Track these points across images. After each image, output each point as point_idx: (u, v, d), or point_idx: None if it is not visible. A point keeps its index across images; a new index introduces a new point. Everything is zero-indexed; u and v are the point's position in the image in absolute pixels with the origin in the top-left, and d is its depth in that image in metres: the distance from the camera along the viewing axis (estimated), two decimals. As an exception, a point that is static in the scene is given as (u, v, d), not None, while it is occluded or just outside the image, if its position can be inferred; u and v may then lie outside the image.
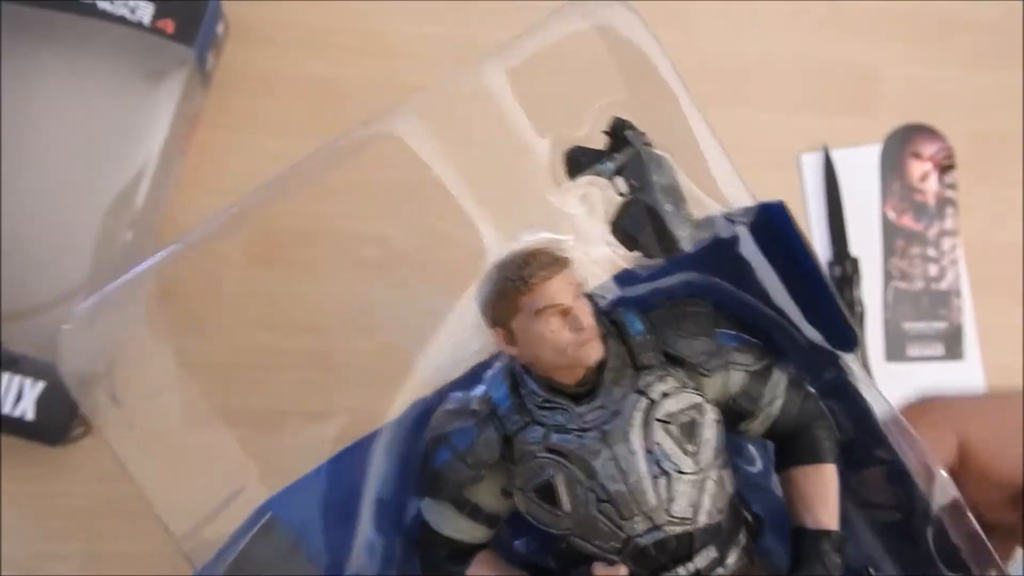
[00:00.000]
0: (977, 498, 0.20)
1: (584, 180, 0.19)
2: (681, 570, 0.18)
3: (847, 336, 0.20)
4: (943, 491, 0.19)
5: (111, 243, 0.43)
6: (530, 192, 0.20)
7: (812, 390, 0.20)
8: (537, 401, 0.19)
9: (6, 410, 0.41)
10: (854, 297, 0.55)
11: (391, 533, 0.21)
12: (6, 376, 0.41)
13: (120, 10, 0.44)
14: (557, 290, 0.18)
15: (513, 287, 0.18)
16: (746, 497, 0.20)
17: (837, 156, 0.57)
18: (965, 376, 0.58)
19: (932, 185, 0.59)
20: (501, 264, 0.19)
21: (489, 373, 0.20)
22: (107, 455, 0.47)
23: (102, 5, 0.44)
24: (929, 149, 0.59)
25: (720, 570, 0.18)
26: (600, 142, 0.19)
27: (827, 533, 0.19)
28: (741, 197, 0.20)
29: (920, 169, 0.59)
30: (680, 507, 0.18)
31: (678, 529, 0.18)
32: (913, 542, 0.19)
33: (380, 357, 0.24)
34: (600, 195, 0.19)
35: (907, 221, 0.58)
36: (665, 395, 0.18)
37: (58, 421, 0.42)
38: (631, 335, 0.19)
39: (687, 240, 0.20)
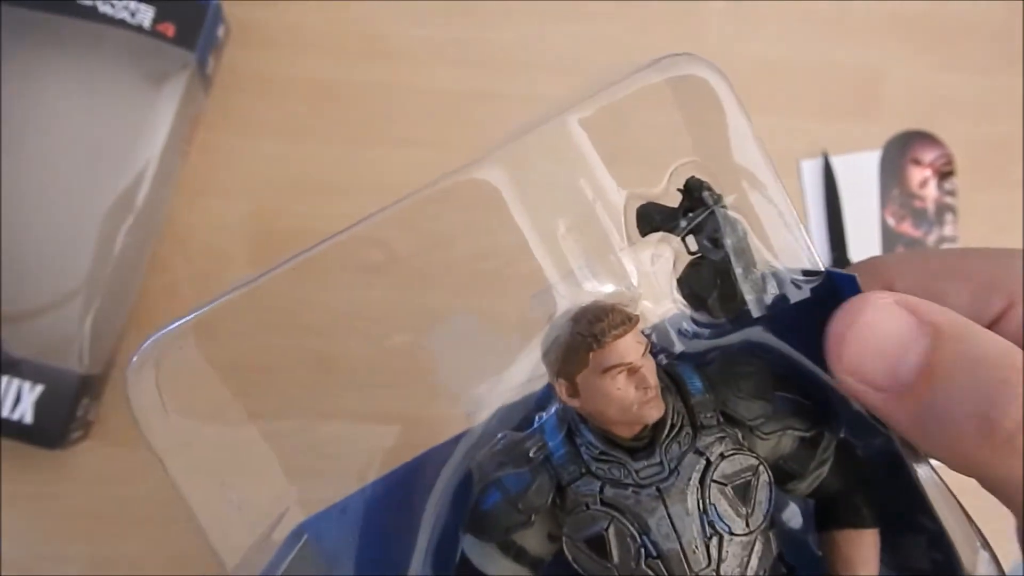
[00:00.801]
0: None
1: (655, 237, 0.19)
2: None
3: None
4: (986, 565, 0.21)
5: (111, 246, 0.43)
6: (602, 246, 0.20)
7: (860, 455, 0.20)
8: (593, 453, 0.19)
9: (5, 413, 0.41)
10: (853, 303, 0.55)
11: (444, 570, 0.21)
12: (5, 379, 0.41)
13: (120, 13, 0.44)
14: (627, 348, 0.18)
15: (584, 343, 0.18)
16: (784, 552, 0.21)
17: (837, 162, 0.57)
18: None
19: (932, 191, 0.59)
20: (573, 317, 0.19)
21: (544, 417, 0.20)
22: (106, 458, 0.47)
23: (103, 8, 0.44)
24: (929, 155, 0.59)
25: None
26: (675, 201, 0.20)
27: None
28: (809, 263, 0.20)
29: (920, 175, 0.59)
30: (729, 567, 0.18)
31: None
32: None
33: (412, 367, 0.23)
34: (671, 253, 0.20)
35: (906, 227, 0.58)
36: (723, 456, 0.19)
37: (57, 424, 0.42)
38: (691, 393, 0.19)
39: (755, 304, 0.20)
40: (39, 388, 0.41)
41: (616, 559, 0.18)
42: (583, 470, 0.19)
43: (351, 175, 0.51)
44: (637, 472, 0.18)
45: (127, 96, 0.44)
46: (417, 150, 0.52)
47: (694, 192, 0.20)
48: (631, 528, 0.18)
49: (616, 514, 0.18)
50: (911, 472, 0.19)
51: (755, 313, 0.19)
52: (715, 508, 0.18)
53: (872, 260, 0.21)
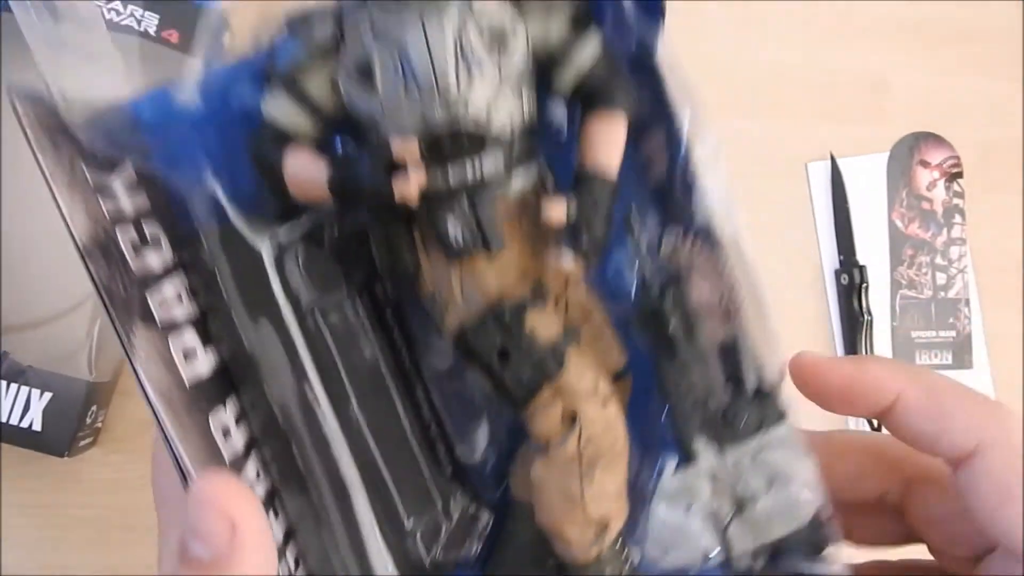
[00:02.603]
0: None
1: None
2: (467, 165, 0.19)
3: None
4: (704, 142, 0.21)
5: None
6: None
7: (623, 67, 0.21)
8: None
9: (13, 421, 0.41)
10: (862, 305, 0.55)
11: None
12: (13, 387, 0.41)
13: (126, 20, 0.44)
14: None
15: None
16: (551, 162, 0.22)
17: (844, 164, 0.57)
18: (974, 385, 0.58)
19: (940, 193, 0.59)
20: None
21: None
22: (114, 466, 0.47)
23: (108, 15, 0.44)
24: (936, 157, 0.59)
25: (497, 183, 0.20)
26: None
27: (603, 169, 0.20)
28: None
29: (927, 177, 0.59)
30: (476, 107, 0.19)
31: (471, 128, 0.19)
32: (671, 192, 0.21)
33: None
34: None
35: (915, 229, 0.58)
36: (482, 3, 0.19)
37: (65, 432, 0.42)
38: None
39: None
40: (47, 396, 0.41)
41: (379, 85, 0.19)
42: (358, 6, 0.19)
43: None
44: (403, 6, 0.19)
45: (133, 104, 0.44)
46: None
47: None
48: (393, 51, 0.19)
49: (381, 41, 0.19)
50: (663, 86, 0.21)
51: None
52: (470, 43, 0.19)
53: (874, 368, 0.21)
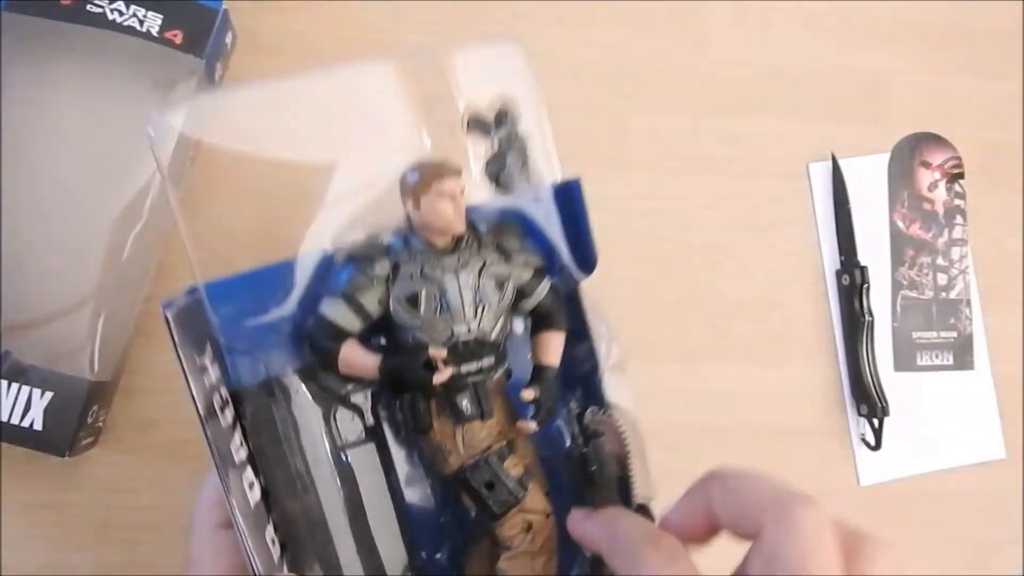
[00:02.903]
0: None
1: (476, 136, 0.31)
2: (474, 364, 0.30)
3: (590, 263, 0.32)
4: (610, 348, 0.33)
5: (119, 253, 0.43)
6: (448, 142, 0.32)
7: (560, 296, 0.32)
8: (419, 249, 0.30)
9: (14, 420, 0.41)
10: (863, 306, 0.55)
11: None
12: (14, 387, 0.41)
13: (129, 20, 0.45)
14: (454, 185, 0.29)
15: (432, 173, 0.29)
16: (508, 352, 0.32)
17: (846, 165, 0.57)
18: (974, 386, 0.58)
19: (941, 194, 0.59)
20: (423, 162, 0.30)
21: (389, 232, 0.30)
22: (115, 466, 0.47)
23: (111, 16, 0.44)
24: (938, 158, 0.59)
25: (491, 375, 0.30)
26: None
27: (552, 367, 0.31)
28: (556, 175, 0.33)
29: (929, 178, 0.59)
30: (483, 326, 0.30)
31: (479, 339, 0.30)
32: (585, 387, 0.33)
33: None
34: (483, 148, 0.31)
35: (916, 230, 0.58)
36: (492, 264, 0.30)
37: (66, 431, 0.42)
38: (479, 229, 0.31)
39: (525, 190, 0.32)
40: (49, 395, 0.41)
41: (423, 311, 0.29)
42: (410, 257, 0.29)
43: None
44: (443, 263, 0.29)
45: (135, 103, 0.44)
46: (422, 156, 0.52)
47: (502, 114, 0.31)
48: (435, 291, 0.29)
49: (427, 283, 0.29)
50: (581, 306, 0.33)
51: (523, 196, 0.31)
52: (483, 288, 0.30)
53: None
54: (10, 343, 0.42)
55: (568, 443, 0.31)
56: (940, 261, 0.58)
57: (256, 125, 0.32)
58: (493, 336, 0.30)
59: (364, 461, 0.32)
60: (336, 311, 0.29)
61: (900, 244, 0.58)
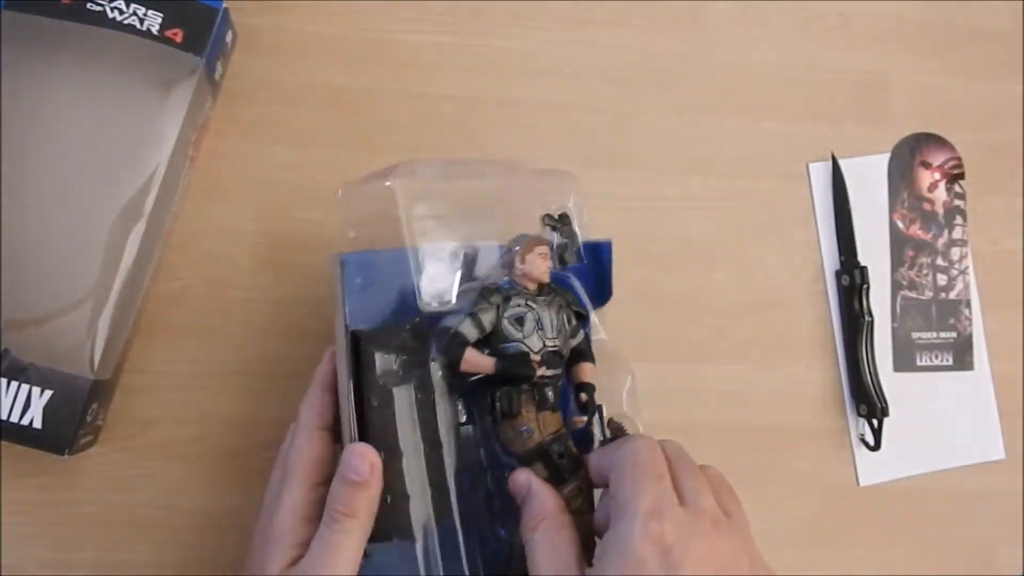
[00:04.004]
0: None
1: (547, 229, 0.44)
2: (552, 370, 0.40)
3: (605, 299, 0.46)
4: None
5: (120, 252, 0.43)
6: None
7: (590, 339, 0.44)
8: (519, 291, 0.41)
9: (14, 418, 0.41)
10: (863, 306, 0.55)
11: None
12: (14, 385, 0.41)
13: (129, 19, 0.45)
14: (545, 251, 0.41)
15: (535, 241, 0.41)
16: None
17: (845, 165, 0.57)
18: (974, 386, 0.58)
19: (941, 194, 0.59)
20: (523, 235, 0.42)
21: (503, 280, 0.41)
22: (114, 464, 0.47)
23: (111, 14, 0.44)
24: (938, 158, 0.59)
25: (559, 380, 0.41)
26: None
27: (592, 384, 0.42)
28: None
29: (929, 178, 0.59)
30: (559, 344, 0.41)
31: (556, 350, 0.40)
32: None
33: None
34: (553, 237, 0.44)
35: (916, 230, 0.58)
36: (565, 306, 0.42)
37: (66, 430, 0.42)
38: (555, 286, 0.42)
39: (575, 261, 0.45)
40: (48, 394, 0.41)
41: (527, 329, 0.40)
42: (515, 294, 0.40)
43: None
44: (537, 300, 0.41)
45: (136, 102, 0.44)
46: (424, 157, 0.52)
47: (565, 216, 0.44)
48: (535, 316, 0.40)
49: (530, 310, 0.40)
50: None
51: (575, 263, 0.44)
52: (562, 318, 0.41)
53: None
54: (10, 341, 0.42)
55: (600, 438, 0.42)
56: (940, 261, 0.58)
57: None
58: (564, 350, 0.41)
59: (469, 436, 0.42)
60: (463, 325, 0.39)
61: (900, 244, 0.58)
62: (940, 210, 0.59)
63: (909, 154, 0.58)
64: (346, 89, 0.52)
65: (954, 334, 0.58)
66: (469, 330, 0.39)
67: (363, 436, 0.38)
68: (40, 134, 0.43)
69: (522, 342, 0.39)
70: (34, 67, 0.44)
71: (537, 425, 0.40)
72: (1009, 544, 0.57)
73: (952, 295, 0.58)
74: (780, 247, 0.56)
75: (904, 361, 0.57)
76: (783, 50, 0.58)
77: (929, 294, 0.58)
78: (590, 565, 0.36)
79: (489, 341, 0.40)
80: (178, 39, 0.45)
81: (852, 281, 0.55)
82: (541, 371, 0.39)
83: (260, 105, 0.51)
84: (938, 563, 0.56)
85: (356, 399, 0.39)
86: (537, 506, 0.37)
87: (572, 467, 0.39)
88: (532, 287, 0.41)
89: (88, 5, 0.44)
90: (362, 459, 0.37)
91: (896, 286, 0.57)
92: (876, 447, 0.54)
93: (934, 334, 0.57)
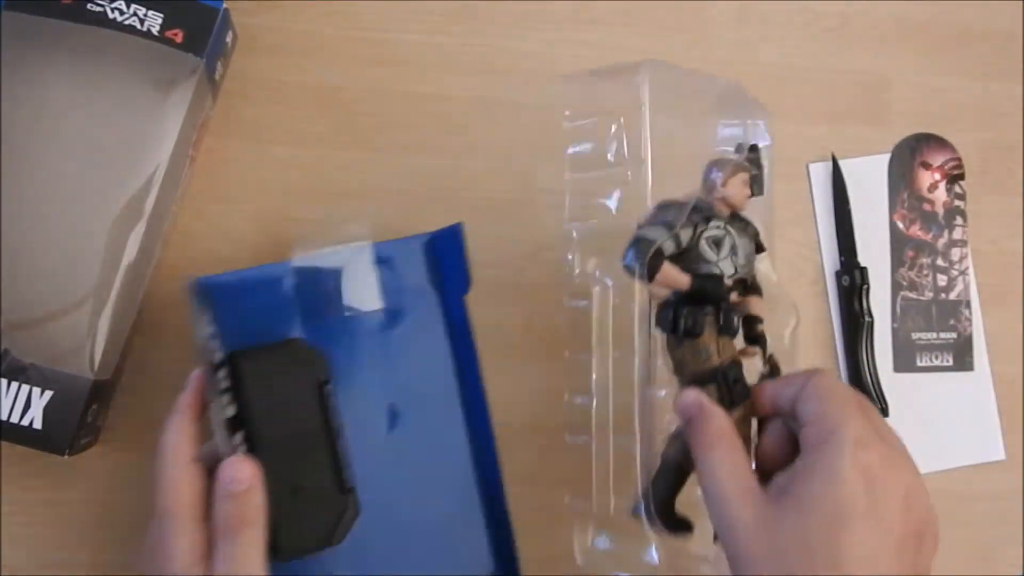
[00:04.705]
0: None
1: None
2: (739, 297, 0.42)
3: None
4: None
5: (120, 252, 0.43)
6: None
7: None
8: (717, 215, 0.41)
9: (14, 419, 0.41)
10: (863, 307, 0.55)
11: None
12: (14, 385, 0.41)
13: (129, 19, 0.45)
14: (748, 178, 0.41)
15: (740, 167, 0.41)
16: None
17: (846, 165, 0.57)
18: (974, 387, 0.58)
19: (941, 195, 0.59)
20: (726, 159, 0.42)
21: (686, 199, 0.41)
22: (115, 464, 0.47)
23: (112, 15, 0.44)
24: (938, 159, 0.59)
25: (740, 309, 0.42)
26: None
27: (760, 317, 0.42)
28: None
29: (929, 179, 0.59)
30: (747, 271, 0.41)
31: (743, 277, 0.41)
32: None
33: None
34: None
35: (916, 231, 0.58)
36: (755, 237, 0.42)
37: (66, 430, 0.42)
38: (745, 216, 0.42)
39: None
40: (49, 394, 0.41)
41: (719, 252, 0.40)
42: (714, 216, 0.40)
43: (358, 181, 0.51)
44: (734, 225, 0.41)
45: (136, 102, 0.44)
46: (424, 156, 0.52)
47: (755, 149, 0.45)
48: (732, 241, 0.40)
49: (728, 235, 0.40)
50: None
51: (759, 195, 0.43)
52: (748, 246, 0.41)
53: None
54: (10, 342, 0.42)
55: (761, 372, 0.42)
56: (940, 262, 0.58)
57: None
58: (749, 282, 0.42)
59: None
60: (660, 235, 0.39)
61: (900, 245, 0.58)
62: (940, 210, 0.59)
63: (909, 154, 0.58)
64: (346, 89, 0.52)
65: (954, 335, 0.58)
66: (668, 245, 0.39)
67: (253, 450, 0.37)
68: (40, 134, 0.43)
69: (716, 264, 0.40)
70: (34, 67, 0.44)
71: (717, 348, 0.40)
72: (1010, 544, 0.57)
73: (952, 295, 0.58)
74: (780, 247, 0.56)
75: (904, 362, 0.57)
76: (783, 50, 0.58)
77: (929, 294, 0.58)
78: None
79: (682, 258, 0.40)
80: (178, 39, 0.45)
81: (852, 281, 0.55)
82: (733, 295, 0.40)
83: (260, 105, 0.51)
84: (938, 563, 0.56)
85: (239, 422, 0.38)
86: (715, 427, 0.37)
87: (747, 394, 0.40)
88: (726, 212, 0.41)
89: (88, 5, 0.44)
90: (240, 468, 0.36)
91: (896, 286, 0.57)
92: (876, 447, 0.54)
93: (934, 335, 0.57)
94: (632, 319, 0.41)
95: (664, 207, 0.41)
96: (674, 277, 0.39)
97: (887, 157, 0.58)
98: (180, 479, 0.37)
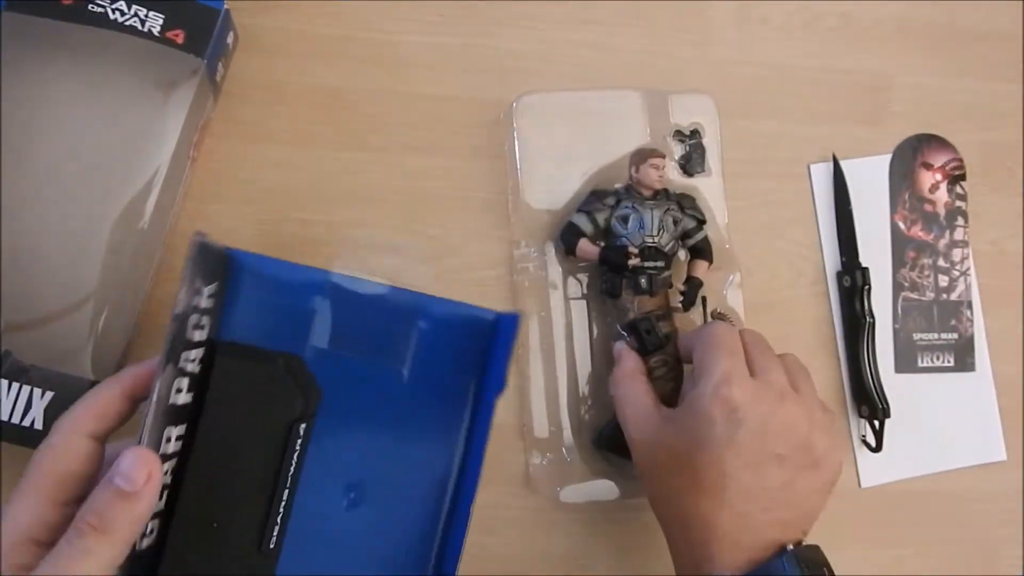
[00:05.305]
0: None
1: (676, 141, 0.53)
2: (651, 262, 0.48)
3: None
4: None
5: (120, 253, 0.43)
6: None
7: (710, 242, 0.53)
8: (633, 195, 0.49)
9: (15, 420, 0.41)
10: (864, 307, 0.55)
11: None
12: (15, 386, 0.41)
13: (131, 20, 0.45)
14: (659, 162, 0.49)
15: (648, 153, 0.49)
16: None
17: (847, 166, 0.57)
18: (976, 387, 0.58)
19: (942, 195, 0.59)
20: (644, 147, 0.50)
21: (618, 185, 0.50)
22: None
23: (113, 16, 0.44)
24: (939, 159, 0.59)
25: (660, 272, 0.49)
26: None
27: (697, 278, 0.51)
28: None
29: (930, 179, 0.59)
30: (661, 241, 0.49)
31: (657, 247, 0.48)
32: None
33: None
34: (679, 149, 0.53)
35: (917, 231, 0.58)
36: (673, 210, 0.49)
37: (66, 431, 0.42)
38: (669, 191, 0.50)
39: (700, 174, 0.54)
40: (50, 395, 0.41)
41: (631, 227, 0.48)
42: (627, 198, 0.49)
43: (358, 182, 0.51)
44: (646, 204, 0.49)
45: (137, 103, 0.44)
46: (424, 157, 0.52)
47: (696, 132, 0.54)
48: (639, 217, 0.48)
49: (635, 212, 0.48)
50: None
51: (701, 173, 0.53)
52: (665, 220, 0.49)
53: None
54: (10, 343, 0.42)
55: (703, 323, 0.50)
56: (941, 263, 0.58)
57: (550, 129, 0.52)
58: (666, 249, 0.49)
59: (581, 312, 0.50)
60: (581, 221, 0.49)
61: (901, 245, 0.58)
62: (941, 211, 0.59)
63: (910, 155, 0.58)
64: (346, 89, 0.52)
65: (955, 335, 0.58)
66: (584, 224, 0.49)
67: (185, 457, 0.32)
68: (41, 135, 0.43)
69: (625, 237, 0.48)
70: (35, 68, 0.44)
71: (633, 306, 0.48)
72: (1011, 545, 0.57)
73: (953, 296, 0.58)
74: (781, 248, 0.56)
75: (905, 362, 0.57)
76: (784, 50, 0.58)
77: (930, 295, 0.58)
78: None
79: (606, 235, 0.49)
80: (179, 40, 0.45)
81: (853, 282, 0.55)
82: (634, 262, 0.47)
83: (261, 105, 0.51)
84: (940, 564, 0.56)
85: (184, 414, 0.32)
86: (626, 367, 0.47)
87: (658, 343, 0.48)
88: (647, 193, 0.49)
89: (89, 6, 0.44)
90: (140, 465, 0.30)
91: (897, 287, 0.57)
92: (878, 448, 0.54)
93: (935, 335, 0.57)
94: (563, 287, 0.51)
95: (597, 193, 0.50)
96: (587, 250, 0.49)
97: (888, 158, 0.58)
98: (62, 447, 0.33)
